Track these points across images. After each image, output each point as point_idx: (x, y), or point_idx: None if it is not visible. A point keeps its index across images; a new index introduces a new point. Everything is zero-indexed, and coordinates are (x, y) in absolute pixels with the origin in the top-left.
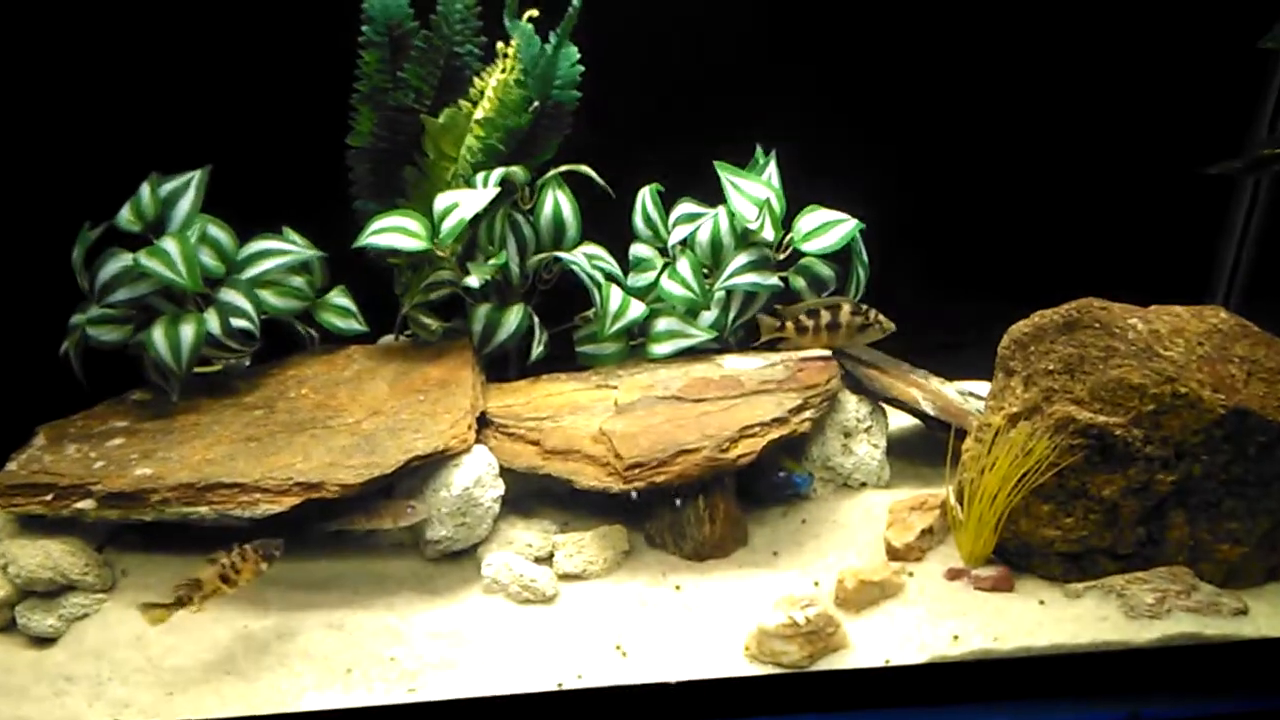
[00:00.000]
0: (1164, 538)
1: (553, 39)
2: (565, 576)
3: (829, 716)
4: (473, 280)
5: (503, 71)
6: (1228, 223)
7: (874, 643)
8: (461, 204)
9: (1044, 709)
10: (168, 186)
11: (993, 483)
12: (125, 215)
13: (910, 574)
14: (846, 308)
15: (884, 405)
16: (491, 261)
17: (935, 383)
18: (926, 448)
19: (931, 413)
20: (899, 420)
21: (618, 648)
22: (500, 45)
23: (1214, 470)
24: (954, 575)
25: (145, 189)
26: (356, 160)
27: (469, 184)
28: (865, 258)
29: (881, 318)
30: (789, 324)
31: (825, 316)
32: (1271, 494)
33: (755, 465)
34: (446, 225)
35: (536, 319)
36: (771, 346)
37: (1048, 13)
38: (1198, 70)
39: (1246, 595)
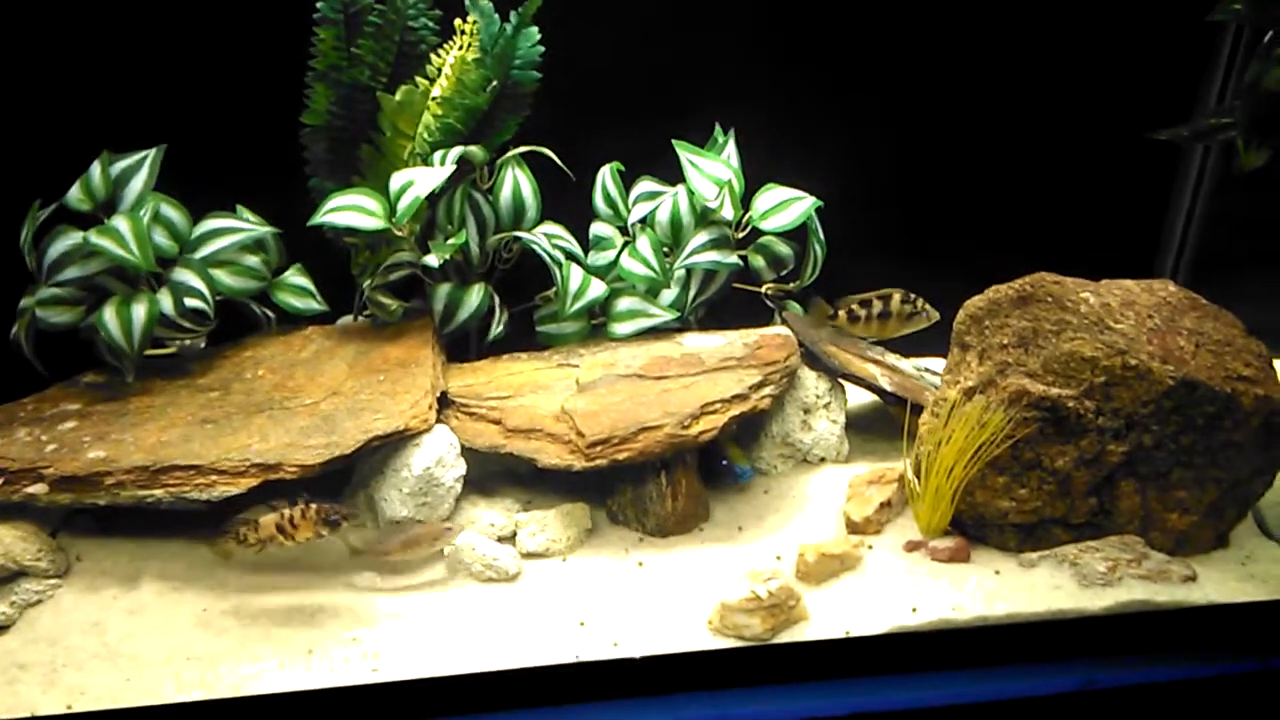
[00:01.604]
0: (1115, 507)
1: (513, 19)
2: (529, 555)
3: (792, 688)
4: (433, 260)
5: (460, 49)
6: (1176, 197)
7: (834, 615)
8: (417, 182)
9: (1001, 677)
10: (120, 165)
11: (949, 456)
12: (75, 194)
13: (869, 547)
14: (897, 296)
15: (842, 382)
16: (451, 241)
17: (892, 359)
18: (884, 423)
19: (889, 388)
20: (857, 396)
21: (581, 624)
22: (458, 22)
23: (1163, 440)
24: (912, 547)
25: (96, 168)
26: (312, 139)
27: (426, 163)
28: (822, 235)
29: (928, 306)
30: (841, 313)
31: (877, 306)
32: (1219, 463)
33: (711, 445)
34: (403, 204)
35: (497, 298)
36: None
37: None
38: (1147, 45)
39: (1195, 562)
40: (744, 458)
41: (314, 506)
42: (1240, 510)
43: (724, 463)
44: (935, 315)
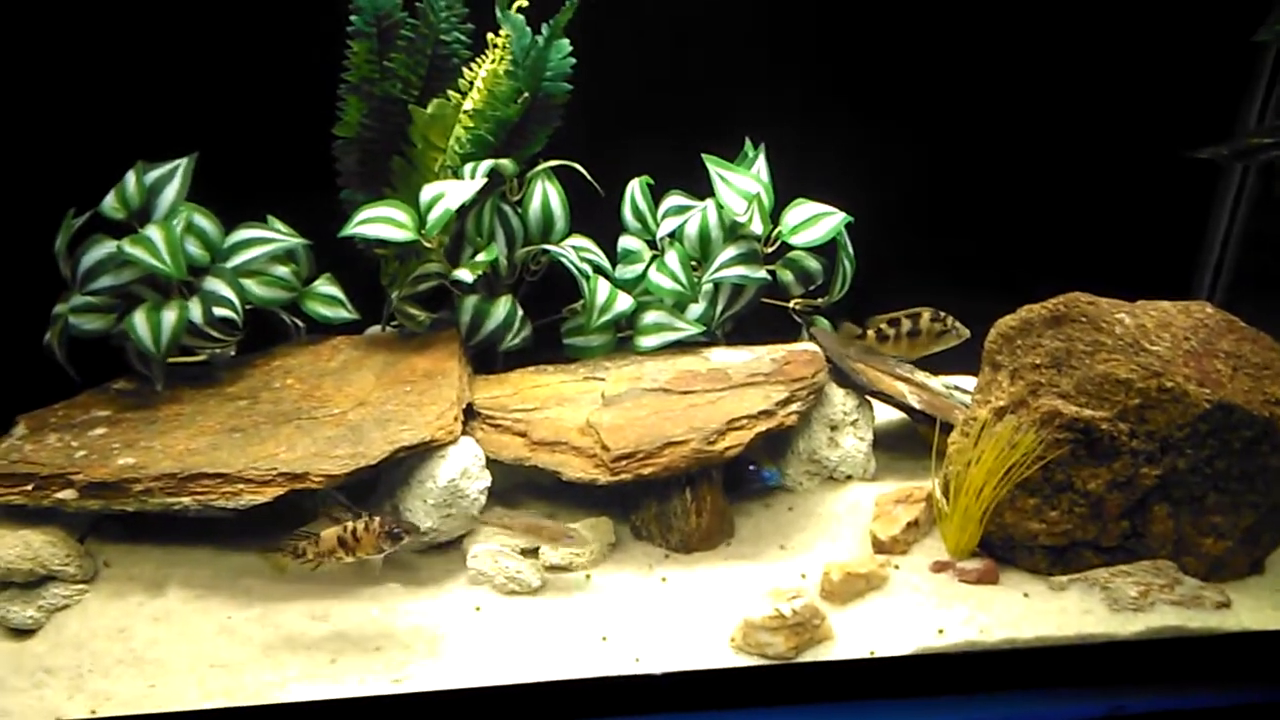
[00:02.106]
0: (1148, 531)
1: (545, 31)
2: (551, 568)
3: (814, 708)
4: (465, 275)
5: (493, 62)
6: (1214, 219)
7: (859, 635)
8: (448, 194)
9: (1028, 701)
10: (153, 174)
11: (978, 476)
12: (110, 203)
13: (896, 567)
14: (926, 315)
15: (870, 399)
16: (482, 257)
17: (921, 377)
18: (912, 442)
19: (917, 406)
20: (885, 414)
21: (604, 639)
22: (490, 36)
23: (1198, 464)
24: (939, 568)
25: (130, 176)
26: (344, 151)
27: (457, 175)
28: (851, 251)
29: (958, 324)
30: (870, 332)
31: (906, 325)
32: (1255, 488)
33: (738, 461)
34: (433, 216)
35: (521, 311)
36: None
37: (1040, 4)
38: (1188, 64)
39: (1229, 589)
40: (770, 463)
41: (377, 520)
42: (1277, 536)
43: (751, 468)
44: (965, 333)
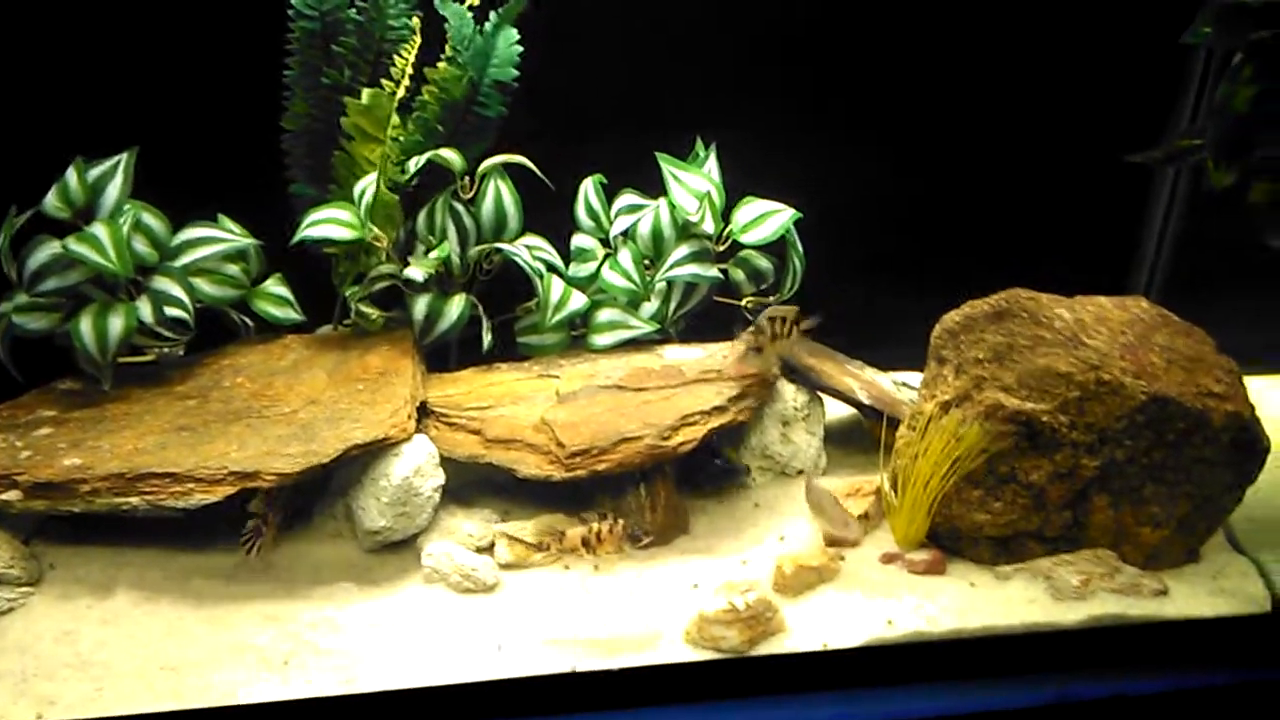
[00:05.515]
0: (1089, 521)
1: (493, 18)
2: (507, 566)
3: (769, 700)
4: (416, 273)
5: (442, 53)
6: (1148, 215)
7: (812, 627)
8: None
9: (976, 689)
10: (95, 171)
11: (925, 469)
12: (52, 201)
13: (845, 559)
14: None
15: (821, 395)
16: (435, 254)
17: (870, 373)
18: (862, 436)
19: (866, 402)
20: (835, 409)
21: (557, 636)
22: (415, 22)
23: (1136, 455)
24: (888, 559)
25: (72, 173)
26: (292, 143)
27: (401, 168)
28: (801, 249)
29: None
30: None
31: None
32: (1190, 479)
33: (696, 454)
34: (362, 205)
35: (481, 308)
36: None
37: (981, 7)
38: (1121, 65)
39: (1167, 576)
40: (738, 455)
41: (620, 523)
42: (1211, 525)
43: (718, 461)
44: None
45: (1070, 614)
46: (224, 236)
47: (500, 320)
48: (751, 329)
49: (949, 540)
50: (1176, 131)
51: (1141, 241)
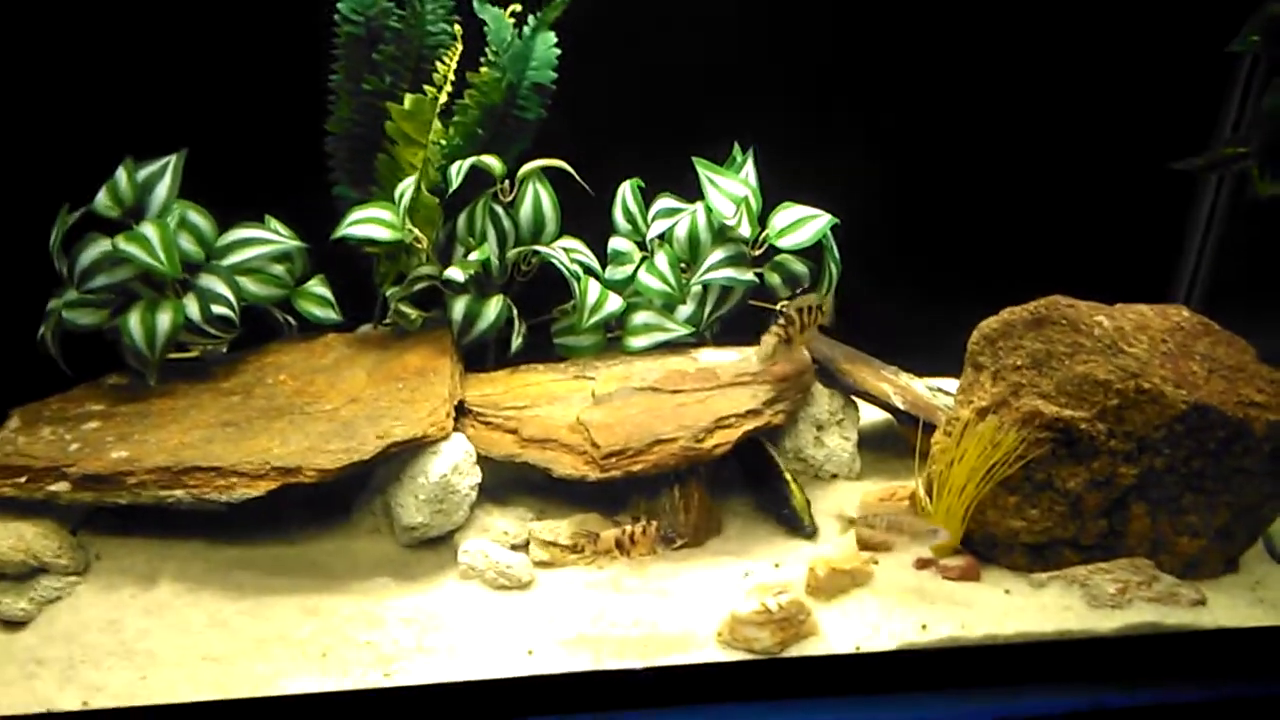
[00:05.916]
0: (1126, 529)
1: (531, 22)
2: (541, 564)
3: (800, 703)
4: (457, 274)
5: (483, 58)
6: (1191, 223)
7: (844, 630)
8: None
9: (1009, 696)
10: (144, 171)
11: (961, 475)
12: (102, 200)
13: (879, 563)
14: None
15: (855, 399)
16: (475, 256)
17: (905, 378)
18: (896, 441)
19: (901, 407)
20: (870, 414)
21: (590, 634)
22: (457, 28)
23: (1175, 464)
24: (922, 565)
25: (121, 173)
26: (336, 147)
27: (442, 173)
28: (837, 254)
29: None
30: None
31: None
32: (1230, 488)
33: (762, 475)
34: (404, 204)
35: (515, 311)
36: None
37: (1021, 14)
38: (1165, 73)
39: (1205, 586)
40: (807, 511)
41: (654, 524)
42: (1251, 535)
43: (785, 512)
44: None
45: (1106, 622)
46: (271, 239)
47: (537, 322)
48: (780, 320)
49: (984, 547)
50: (1220, 139)
51: (1183, 249)
